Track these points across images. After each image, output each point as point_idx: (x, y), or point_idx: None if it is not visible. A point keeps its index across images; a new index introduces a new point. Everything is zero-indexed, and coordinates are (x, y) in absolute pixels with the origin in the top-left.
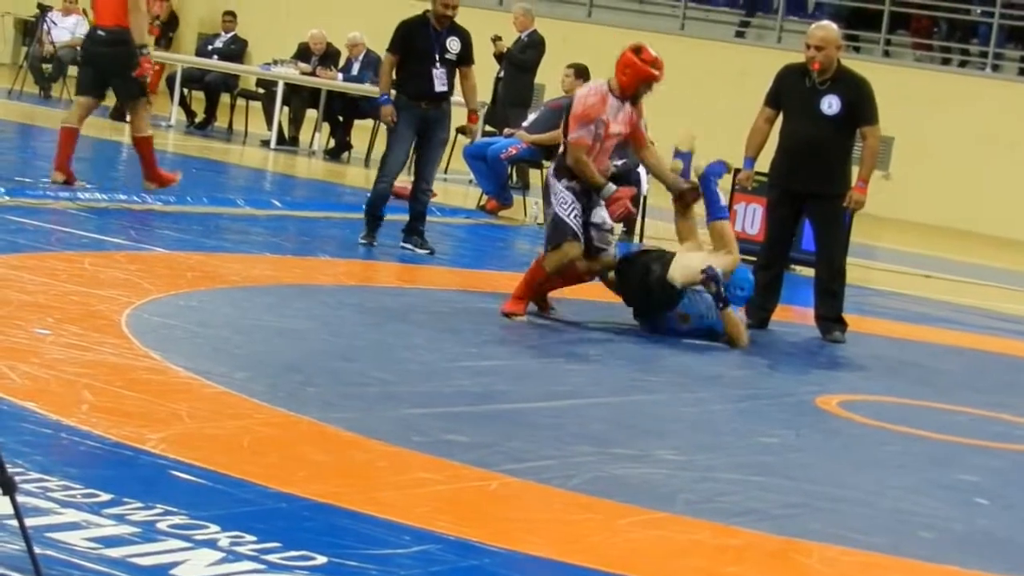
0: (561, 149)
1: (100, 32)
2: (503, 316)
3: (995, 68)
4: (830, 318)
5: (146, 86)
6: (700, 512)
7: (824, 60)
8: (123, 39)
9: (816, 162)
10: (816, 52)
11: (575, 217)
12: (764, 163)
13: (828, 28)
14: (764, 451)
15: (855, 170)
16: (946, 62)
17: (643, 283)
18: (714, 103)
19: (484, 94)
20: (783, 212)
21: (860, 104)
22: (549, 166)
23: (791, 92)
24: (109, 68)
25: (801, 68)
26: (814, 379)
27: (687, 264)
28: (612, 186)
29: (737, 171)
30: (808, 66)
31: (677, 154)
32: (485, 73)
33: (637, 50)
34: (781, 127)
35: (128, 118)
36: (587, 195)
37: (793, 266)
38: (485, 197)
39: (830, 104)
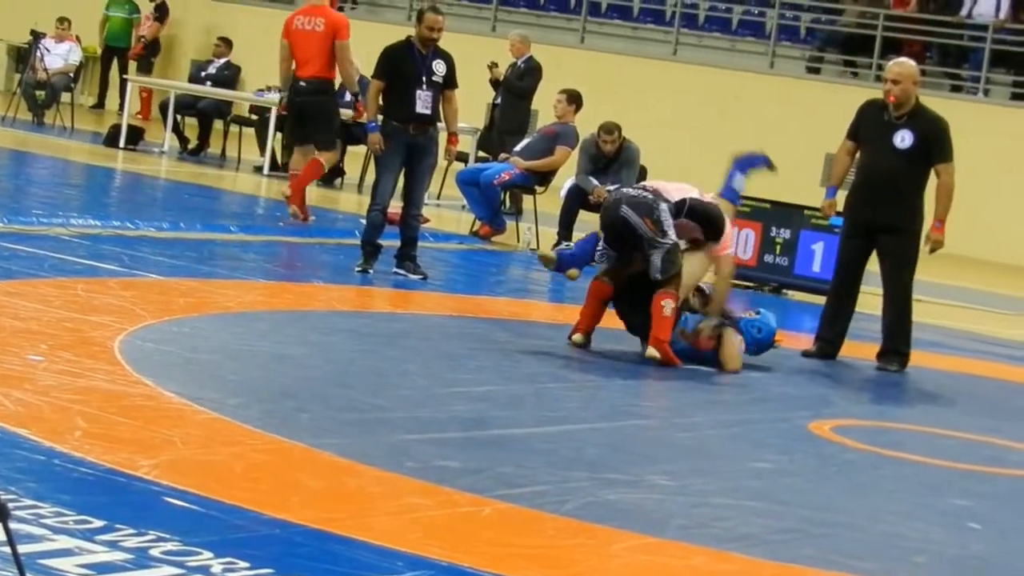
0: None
1: (303, 83)
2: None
3: (986, 93)
4: (889, 350)
5: (342, 135)
6: (694, 537)
7: (900, 94)
8: (325, 89)
9: (888, 195)
10: (893, 86)
11: None
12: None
13: (904, 64)
14: (758, 476)
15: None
16: (937, 87)
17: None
18: (706, 128)
19: (476, 119)
20: (854, 243)
21: (934, 140)
22: (542, 191)
23: (868, 125)
24: (312, 115)
25: (881, 103)
26: (807, 404)
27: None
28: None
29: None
30: (885, 100)
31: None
32: (478, 98)
33: None
34: (858, 160)
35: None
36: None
37: (785, 290)
38: (478, 223)
39: (903, 138)
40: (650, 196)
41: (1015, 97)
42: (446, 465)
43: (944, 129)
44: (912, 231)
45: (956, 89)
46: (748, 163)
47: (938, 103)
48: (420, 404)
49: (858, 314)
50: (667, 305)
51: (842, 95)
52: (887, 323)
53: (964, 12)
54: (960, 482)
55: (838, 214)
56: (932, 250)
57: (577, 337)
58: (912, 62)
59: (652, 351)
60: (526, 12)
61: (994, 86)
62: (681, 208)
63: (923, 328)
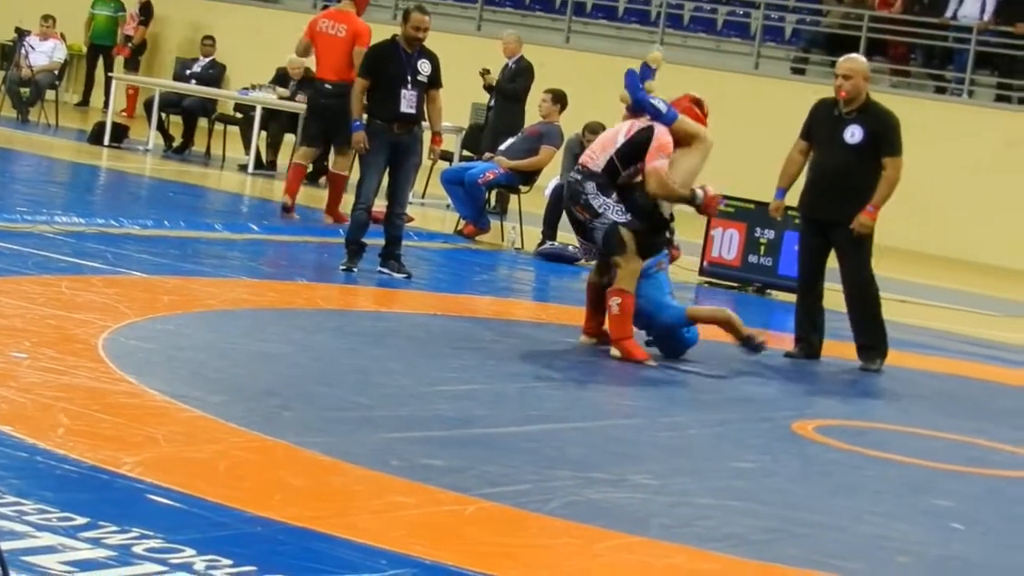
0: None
1: (327, 85)
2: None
3: (970, 94)
4: (867, 345)
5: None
6: (676, 537)
7: (851, 89)
8: (347, 92)
9: (839, 191)
10: (844, 81)
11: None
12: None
13: (855, 59)
14: (741, 476)
15: None
16: (922, 88)
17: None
18: None
19: (461, 119)
20: (812, 240)
21: (883, 135)
22: (527, 191)
23: (820, 123)
24: (334, 118)
25: (832, 100)
26: (791, 404)
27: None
28: (700, 192)
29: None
30: (836, 96)
31: (644, 68)
32: (463, 98)
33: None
34: (811, 158)
35: (331, 155)
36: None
37: (769, 291)
38: (462, 222)
39: (853, 133)
40: (579, 178)
41: (999, 99)
42: (430, 463)
43: (894, 124)
44: None
45: (940, 90)
46: (635, 87)
47: (922, 104)
48: (404, 403)
49: (839, 314)
50: (614, 303)
51: (826, 96)
52: (855, 319)
53: (948, 14)
54: (943, 482)
55: (791, 209)
56: (857, 233)
57: (583, 339)
58: (863, 58)
59: (613, 351)
60: (511, 12)
61: (978, 87)
62: (612, 168)
63: (907, 329)
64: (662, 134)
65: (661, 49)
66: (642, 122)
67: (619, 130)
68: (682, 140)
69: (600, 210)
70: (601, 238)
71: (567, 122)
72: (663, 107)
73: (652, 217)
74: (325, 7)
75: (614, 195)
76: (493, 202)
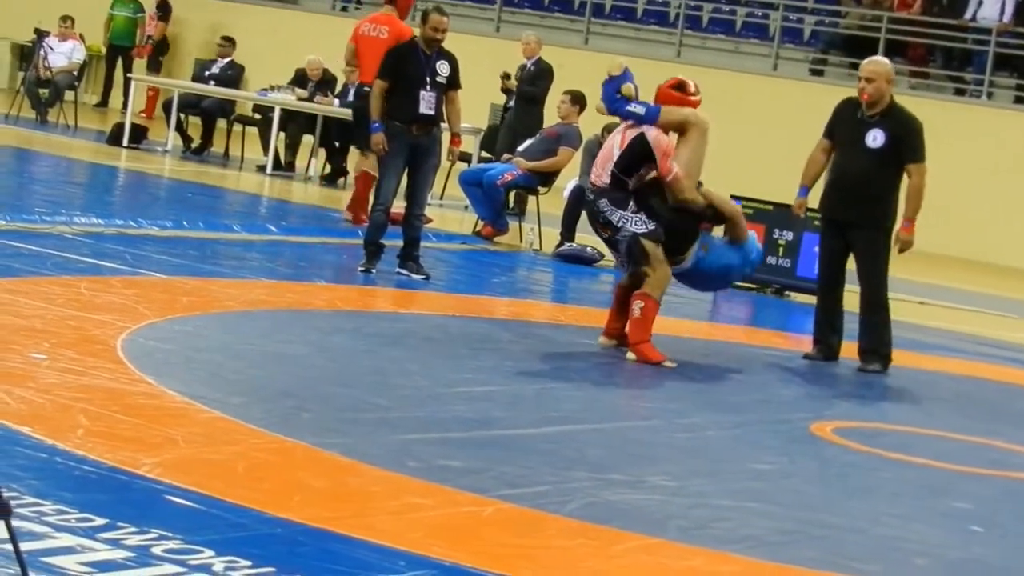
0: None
1: (366, 88)
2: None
3: (990, 96)
4: (868, 350)
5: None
6: (694, 538)
7: (873, 92)
8: None
9: (859, 193)
10: (866, 84)
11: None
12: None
13: (879, 62)
14: (758, 477)
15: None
16: (941, 90)
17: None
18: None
19: (480, 120)
20: (832, 242)
21: (906, 140)
22: (545, 192)
23: (843, 124)
24: (362, 119)
25: (856, 101)
26: (809, 405)
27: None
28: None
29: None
30: (859, 98)
31: (610, 80)
32: (481, 99)
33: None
34: (832, 158)
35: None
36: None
37: (787, 292)
38: (481, 223)
39: (875, 137)
40: (592, 197)
41: (1018, 100)
42: (448, 465)
43: (917, 129)
44: (882, 228)
45: (960, 92)
46: (611, 99)
47: (942, 106)
48: (422, 404)
49: (857, 315)
50: (637, 307)
51: (847, 96)
52: (864, 322)
53: (968, 15)
54: (961, 485)
55: (811, 210)
56: (901, 250)
57: (603, 340)
58: (886, 60)
59: (630, 354)
60: (530, 13)
61: (998, 89)
62: (618, 180)
63: (926, 331)
64: (658, 138)
65: (621, 59)
66: (632, 129)
67: (614, 143)
68: (675, 130)
69: (620, 224)
70: (625, 250)
71: (585, 123)
72: (641, 110)
73: (675, 219)
74: (343, 8)
75: (631, 205)
76: (511, 203)
